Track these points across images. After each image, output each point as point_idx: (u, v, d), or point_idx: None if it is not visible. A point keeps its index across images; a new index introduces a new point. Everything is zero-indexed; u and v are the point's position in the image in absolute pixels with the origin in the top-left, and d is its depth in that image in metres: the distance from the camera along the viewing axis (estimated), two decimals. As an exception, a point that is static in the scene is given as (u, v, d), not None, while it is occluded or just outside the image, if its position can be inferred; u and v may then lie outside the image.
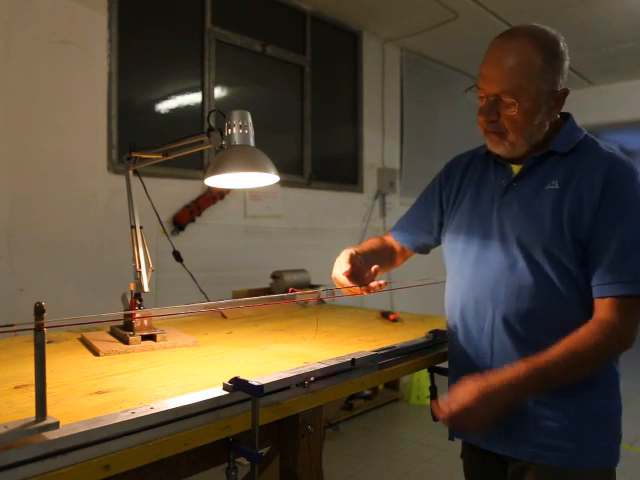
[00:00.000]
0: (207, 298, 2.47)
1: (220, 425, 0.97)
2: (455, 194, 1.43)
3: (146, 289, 1.54)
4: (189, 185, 3.31)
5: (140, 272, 1.55)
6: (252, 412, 0.99)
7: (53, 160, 2.75)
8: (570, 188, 1.20)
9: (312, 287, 2.80)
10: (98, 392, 1.04)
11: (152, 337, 1.47)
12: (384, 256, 1.55)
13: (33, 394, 0.79)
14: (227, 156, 1.34)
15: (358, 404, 4.03)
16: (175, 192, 3.23)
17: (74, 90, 2.82)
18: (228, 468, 1.04)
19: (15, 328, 0.82)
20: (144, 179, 1.68)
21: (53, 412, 0.82)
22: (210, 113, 1.40)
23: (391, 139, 4.89)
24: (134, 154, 1.60)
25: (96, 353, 1.37)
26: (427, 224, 1.51)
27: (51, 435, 0.78)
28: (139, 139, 1.73)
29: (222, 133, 1.37)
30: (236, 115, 1.36)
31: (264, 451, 1.10)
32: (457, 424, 1.17)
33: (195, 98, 3.43)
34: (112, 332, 1.55)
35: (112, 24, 2.96)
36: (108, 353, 1.36)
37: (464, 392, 1.14)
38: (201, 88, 3.44)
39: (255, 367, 1.24)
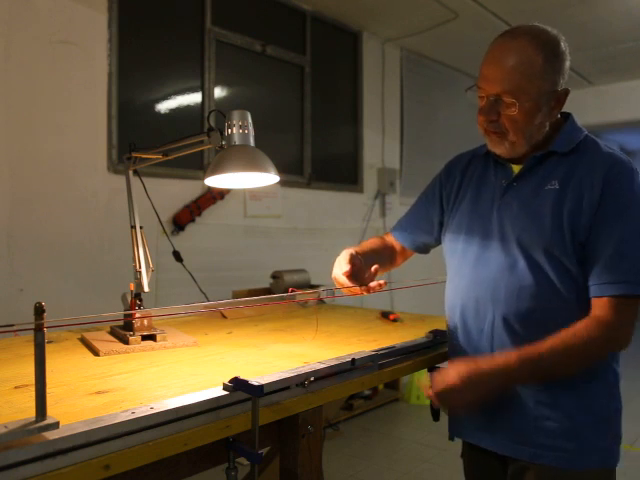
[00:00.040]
0: (207, 298, 2.47)
1: (220, 425, 0.97)
2: (455, 194, 1.43)
3: (146, 289, 1.54)
4: (189, 185, 3.31)
5: (140, 272, 1.55)
6: (252, 412, 0.99)
7: (53, 160, 2.75)
8: (570, 188, 1.20)
9: (312, 287, 2.80)
10: (98, 392, 1.04)
11: (152, 337, 1.47)
12: (384, 256, 1.55)
13: (33, 394, 0.79)
14: (227, 156, 1.34)
15: (358, 404, 4.03)
16: (175, 192, 3.23)
17: (74, 90, 2.82)
18: (228, 468, 1.04)
19: (15, 328, 0.82)
20: (144, 179, 1.68)
21: (53, 412, 0.82)
22: (210, 113, 1.40)
23: (391, 139, 4.89)
24: (134, 154, 1.60)
25: (96, 353, 1.36)
26: (427, 224, 1.51)
27: (51, 435, 0.78)
28: (139, 139, 1.73)
29: (222, 133, 1.37)
30: (236, 115, 1.36)
31: (264, 451, 1.10)
32: (442, 402, 1.19)
33: (195, 98, 3.43)
34: (112, 332, 1.55)
35: (112, 24, 2.96)
36: (108, 353, 1.36)
37: (453, 372, 1.17)
38: (201, 88, 3.44)
39: (255, 367, 1.24)
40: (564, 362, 1.16)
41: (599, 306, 1.16)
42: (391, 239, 1.59)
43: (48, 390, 0.80)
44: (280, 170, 1.42)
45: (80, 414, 0.90)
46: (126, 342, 1.43)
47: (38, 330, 0.76)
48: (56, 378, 1.13)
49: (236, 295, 2.95)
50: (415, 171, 5.08)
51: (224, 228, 3.50)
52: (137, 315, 1.48)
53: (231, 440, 1.01)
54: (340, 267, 1.34)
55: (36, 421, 0.78)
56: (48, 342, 0.88)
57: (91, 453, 0.81)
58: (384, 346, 1.37)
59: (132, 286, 1.53)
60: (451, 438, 1.43)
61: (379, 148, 4.77)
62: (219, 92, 3.55)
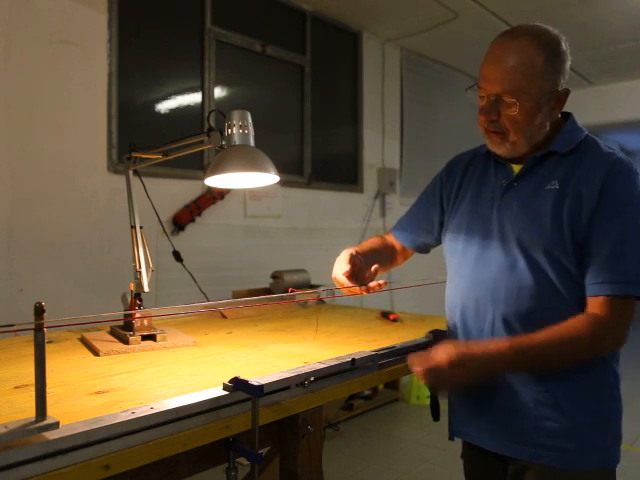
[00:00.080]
0: (207, 298, 2.47)
1: (220, 425, 0.97)
2: (455, 193, 1.43)
3: (146, 289, 1.54)
4: (189, 185, 3.31)
5: (140, 272, 1.55)
6: (252, 412, 0.99)
7: (53, 160, 2.75)
8: (570, 188, 1.20)
9: (312, 287, 2.80)
10: (98, 392, 1.04)
11: (152, 337, 1.47)
12: (385, 255, 1.55)
13: (33, 394, 0.79)
14: (227, 156, 1.34)
15: (358, 404, 4.03)
16: (175, 192, 3.23)
17: (74, 90, 2.82)
18: (228, 468, 1.04)
19: (15, 328, 0.82)
20: (144, 179, 1.68)
21: (53, 412, 0.82)
22: (210, 113, 1.40)
23: (391, 139, 4.89)
24: (134, 154, 1.60)
25: (96, 353, 1.36)
26: (428, 223, 1.51)
27: (51, 435, 0.78)
28: (139, 139, 1.73)
29: (222, 133, 1.37)
30: (236, 115, 1.36)
31: (264, 451, 1.10)
32: (429, 379, 1.18)
33: (195, 98, 3.43)
34: (112, 332, 1.55)
35: (112, 24, 2.96)
36: (108, 353, 1.36)
37: (443, 352, 1.16)
38: (201, 88, 3.44)
39: (255, 367, 1.24)
40: (555, 354, 1.16)
41: (595, 305, 1.16)
42: (391, 239, 1.59)
43: (48, 390, 0.80)
44: (280, 170, 1.42)
45: (80, 414, 0.90)
46: (126, 342, 1.43)
47: (38, 330, 0.76)
48: (56, 378, 1.13)
49: (236, 295, 2.95)
50: (415, 171, 5.08)
51: (224, 228, 3.50)
52: (137, 315, 1.48)
53: (231, 440, 1.01)
54: (340, 267, 1.34)
55: (36, 421, 0.78)
56: (48, 342, 0.88)
57: (91, 453, 0.81)
58: (384, 346, 1.37)
59: (132, 286, 1.53)
60: (451, 438, 1.43)
61: (379, 148, 4.77)
62: (219, 92, 3.55)
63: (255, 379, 1.02)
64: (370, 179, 4.68)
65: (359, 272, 1.34)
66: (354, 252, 1.38)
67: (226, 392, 1.00)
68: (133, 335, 1.44)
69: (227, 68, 3.57)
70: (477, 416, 1.33)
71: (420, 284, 1.58)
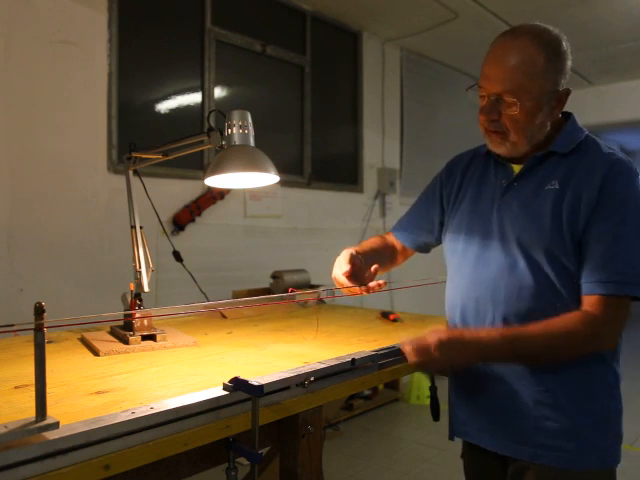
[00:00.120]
0: (207, 298, 2.47)
1: (220, 425, 0.97)
2: (456, 193, 1.43)
3: (146, 289, 1.54)
4: (189, 185, 3.31)
5: (140, 272, 1.54)
6: (252, 412, 0.99)
7: (53, 160, 2.75)
8: (570, 188, 1.20)
9: (312, 287, 2.80)
10: (98, 392, 1.04)
11: (152, 337, 1.47)
12: (385, 255, 1.55)
13: (33, 394, 0.79)
14: (227, 156, 1.34)
15: (358, 404, 4.03)
16: (175, 192, 3.23)
17: (74, 90, 2.82)
18: (228, 468, 1.04)
19: (15, 328, 0.82)
20: (144, 179, 1.68)
21: (53, 412, 0.82)
22: (210, 113, 1.40)
23: (391, 139, 4.89)
24: (134, 154, 1.60)
25: (96, 353, 1.36)
26: (428, 223, 1.51)
27: (51, 435, 0.78)
28: (139, 139, 1.73)
29: (222, 133, 1.37)
30: (236, 115, 1.36)
31: (264, 451, 1.10)
32: (417, 358, 1.18)
33: (195, 98, 3.43)
34: (112, 332, 1.55)
35: (112, 24, 2.96)
36: (108, 353, 1.36)
37: (434, 334, 1.17)
38: (201, 88, 3.44)
39: (255, 367, 1.24)
40: (547, 346, 1.17)
41: (589, 303, 1.17)
42: (392, 238, 1.59)
43: (48, 390, 0.80)
44: (280, 170, 1.42)
45: (80, 414, 0.90)
46: (126, 342, 1.43)
47: (38, 330, 0.76)
48: (56, 378, 1.13)
49: (236, 295, 2.95)
50: (415, 171, 5.08)
51: (224, 228, 3.50)
52: (137, 315, 1.48)
53: (231, 440, 1.01)
54: (340, 267, 1.34)
55: (36, 421, 0.78)
56: (48, 342, 0.88)
57: (91, 453, 0.80)
58: (384, 346, 1.37)
59: (132, 286, 1.53)
60: (451, 438, 1.43)
61: (379, 148, 4.77)
62: (219, 92, 3.55)
63: (255, 379, 1.02)
64: (370, 179, 4.68)
65: (359, 272, 1.34)
66: (354, 252, 1.38)
67: (226, 392, 1.00)
68: (133, 335, 1.44)
69: (227, 68, 3.57)
70: (477, 416, 1.33)
71: (420, 284, 1.58)
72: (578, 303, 1.20)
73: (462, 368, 1.24)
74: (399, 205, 4.84)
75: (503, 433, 1.27)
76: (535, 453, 1.23)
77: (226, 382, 1.01)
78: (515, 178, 1.29)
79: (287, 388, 1.08)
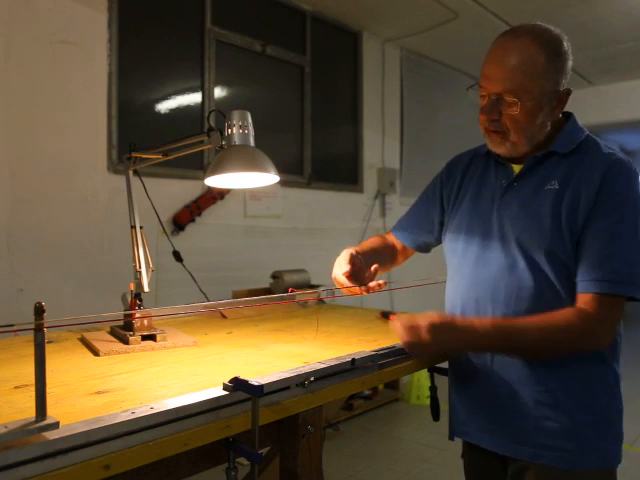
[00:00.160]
0: (207, 298, 2.47)
1: (220, 425, 0.97)
2: (456, 193, 1.43)
3: (146, 289, 1.54)
4: (189, 185, 3.31)
5: (140, 272, 1.54)
6: (252, 412, 0.99)
7: (53, 160, 2.75)
8: (569, 188, 1.20)
9: (312, 287, 2.80)
10: (98, 392, 1.04)
11: (152, 337, 1.47)
12: (385, 255, 1.55)
13: (33, 394, 0.79)
14: (227, 156, 1.34)
15: (358, 404, 4.03)
16: (175, 192, 3.23)
17: (74, 90, 2.82)
18: (228, 468, 1.04)
19: (15, 328, 0.82)
20: (144, 179, 1.68)
21: (53, 412, 0.82)
22: (210, 113, 1.40)
23: (391, 139, 4.89)
24: (134, 154, 1.60)
25: (96, 353, 1.36)
26: (428, 223, 1.51)
27: (51, 435, 0.78)
28: (139, 139, 1.73)
29: (222, 133, 1.37)
30: (236, 115, 1.36)
31: (264, 451, 1.10)
32: (406, 337, 1.18)
33: (195, 98, 3.43)
34: (112, 332, 1.55)
35: (112, 24, 2.96)
36: (108, 353, 1.36)
37: (426, 316, 1.17)
38: (201, 88, 3.44)
39: (255, 367, 1.24)
40: (541, 339, 1.17)
41: (583, 301, 1.17)
42: (392, 238, 1.59)
43: (48, 390, 0.80)
44: (280, 170, 1.42)
45: (80, 414, 0.90)
46: (126, 342, 1.43)
47: (38, 330, 0.76)
48: (56, 378, 1.13)
49: (236, 295, 2.95)
50: (415, 171, 5.08)
51: (224, 228, 3.50)
52: (137, 315, 1.48)
53: (231, 440, 1.01)
54: (340, 267, 1.34)
55: (36, 421, 0.78)
56: (48, 342, 0.88)
57: (91, 453, 0.80)
58: (384, 346, 1.37)
59: (132, 286, 1.53)
60: (451, 438, 1.43)
61: (379, 148, 4.78)
62: (219, 92, 3.55)
63: (255, 379, 1.02)
64: (370, 179, 4.68)
65: (359, 272, 1.34)
66: (354, 252, 1.38)
67: (226, 392, 1.00)
68: (133, 335, 1.44)
69: (227, 68, 3.57)
70: (477, 416, 1.33)
71: (420, 284, 1.58)
72: (577, 303, 1.20)
73: (451, 352, 1.23)
74: (399, 205, 4.84)
75: (503, 433, 1.27)
76: (535, 453, 1.23)
77: (226, 382, 1.01)
78: (515, 178, 1.29)
79: (287, 388, 1.08)
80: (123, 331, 1.48)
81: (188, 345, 1.46)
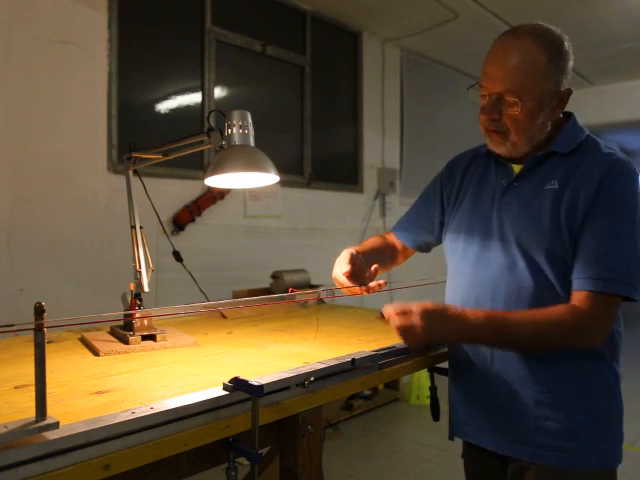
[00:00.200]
0: (207, 298, 2.47)
1: (220, 425, 0.97)
2: (456, 193, 1.43)
3: (146, 289, 1.54)
4: (189, 185, 3.31)
5: (140, 272, 1.54)
6: (252, 412, 0.99)
7: (53, 160, 2.75)
8: (569, 187, 1.20)
9: (312, 287, 2.80)
10: (98, 392, 1.04)
11: (152, 337, 1.47)
12: (385, 254, 1.55)
13: (33, 394, 0.79)
14: (227, 156, 1.34)
15: (358, 404, 4.03)
16: (175, 192, 3.23)
17: (74, 90, 2.82)
18: (228, 468, 1.04)
19: (15, 328, 0.82)
20: (144, 179, 1.68)
21: (53, 412, 0.82)
22: (210, 113, 1.40)
23: (391, 139, 4.89)
24: (134, 154, 1.60)
25: (96, 353, 1.36)
26: (428, 223, 1.51)
27: (51, 435, 0.78)
28: (139, 139, 1.73)
29: (222, 133, 1.37)
30: (236, 115, 1.36)
31: (264, 451, 1.10)
32: (398, 323, 1.18)
33: (195, 98, 3.43)
34: (112, 332, 1.55)
35: (112, 24, 2.96)
36: (108, 353, 1.36)
37: (421, 304, 1.17)
38: (201, 88, 3.44)
39: (255, 367, 1.24)
40: (529, 335, 1.17)
41: (578, 298, 1.17)
42: (392, 238, 1.59)
43: (48, 390, 0.80)
44: (280, 170, 1.42)
45: (80, 414, 0.90)
46: (126, 342, 1.43)
47: (38, 330, 0.76)
48: (56, 378, 1.13)
49: (236, 295, 2.95)
50: (415, 171, 5.08)
51: (224, 228, 3.50)
52: (137, 315, 1.48)
53: (231, 440, 1.01)
54: (340, 267, 1.34)
55: (36, 421, 0.78)
56: (48, 342, 0.88)
57: (91, 453, 0.80)
58: (384, 346, 1.37)
59: (132, 286, 1.53)
60: (451, 438, 1.43)
61: (379, 148, 4.78)
62: (219, 92, 3.55)
63: (255, 379, 1.02)
64: (370, 179, 4.68)
65: (359, 272, 1.34)
66: (354, 252, 1.38)
67: (226, 392, 1.00)
68: (133, 335, 1.44)
69: (227, 68, 3.57)
70: (477, 416, 1.33)
71: (420, 284, 1.58)
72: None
73: (443, 341, 1.22)
74: (399, 205, 4.84)
75: (503, 433, 1.27)
76: (535, 453, 1.23)
77: (226, 382, 1.01)
78: (515, 178, 1.29)
79: (287, 388, 1.08)
80: (123, 331, 1.48)
81: (188, 345, 1.46)
